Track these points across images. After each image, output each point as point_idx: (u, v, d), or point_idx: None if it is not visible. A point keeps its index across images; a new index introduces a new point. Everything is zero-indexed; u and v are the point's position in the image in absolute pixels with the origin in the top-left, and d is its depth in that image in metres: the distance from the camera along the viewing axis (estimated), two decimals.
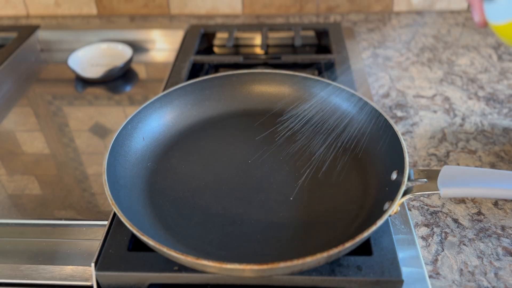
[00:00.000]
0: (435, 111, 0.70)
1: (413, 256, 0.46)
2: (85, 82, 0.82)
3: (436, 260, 0.47)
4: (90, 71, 0.83)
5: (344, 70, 0.74)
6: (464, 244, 0.49)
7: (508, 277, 0.45)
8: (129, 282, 0.43)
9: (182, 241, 0.46)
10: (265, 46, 0.84)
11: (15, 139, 0.69)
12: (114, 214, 0.49)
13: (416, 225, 0.51)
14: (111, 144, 0.51)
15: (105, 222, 0.50)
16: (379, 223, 0.40)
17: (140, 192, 0.51)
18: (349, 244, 0.39)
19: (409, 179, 0.46)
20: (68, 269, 0.48)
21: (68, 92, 0.80)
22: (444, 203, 0.54)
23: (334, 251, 0.38)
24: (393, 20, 1.01)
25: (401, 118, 0.69)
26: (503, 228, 0.51)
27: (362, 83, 0.74)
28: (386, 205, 0.45)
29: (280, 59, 0.80)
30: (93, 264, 0.43)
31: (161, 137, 0.59)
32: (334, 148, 0.57)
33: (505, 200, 0.54)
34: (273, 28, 0.90)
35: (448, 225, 0.51)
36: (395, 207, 0.43)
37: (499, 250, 0.48)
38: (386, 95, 0.75)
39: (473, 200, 0.54)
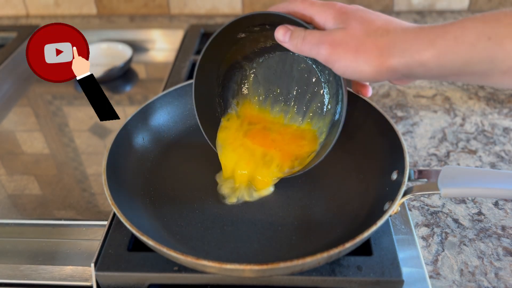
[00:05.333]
0: (435, 111, 0.70)
1: (413, 256, 0.46)
2: None
3: (437, 260, 0.47)
4: (90, 71, 0.83)
5: None
6: (465, 244, 0.49)
7: (508, 277, 0.45)
8: (129, 282, 0.43)
9: (182, 241, 0.46)
10: None
11: (15, 139, 0.69)
12: (114, 214, 0.49)
13: (417, 225, 0.51)
14: (111, 144, 0.51)
15: (105, 222, 0.50)
16: (380, 223, 0.40)
17: (140, 192, 0.51)
18: (349, 244, 0.39)
19: (409, 179, 0.45)
20: (68, 269, 0.48)
21: (68, 92, 0.80)
22: (444, 203, 0.54)
23: (334, 251, 0.38)
24: None
25: (401, 118, 0.69)
26: (503, 228, 0.50)
27: None
28: (387, 205, 0.45)
29: None
30: (92, 264, 0.43)
31: (161, 137, 0.58)
32: (334, 148, 0.57)
33: (505, 200, 0.54)
34: None
35: (448, 225, 0.51)
36: (395, 207, 0.43)
37: (500, 250, 0.48)
38: (386, 95, 0.75)
39: (474, 200, 0.54)
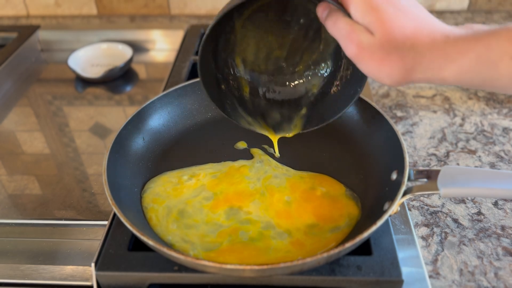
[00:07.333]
0: (435, 111, 0.70)
1: (413, 256, 0.46)
2: (85, 82, 0.82)
3: (436, 260, 0.47)
4: (90, 71, 0.83)
5: None
6: (464, 244, 0.49)
7: (508, 277, 0.45)
8: (129, 282, 0.43)
9: None
10: None
11: (15, 139, 0.69)
12: (114, 214, 0.49)
13: (416, 225, 0.52)
14: (111, 144, 0.51)
15: (105, 222, 0.50)
16: (379, 223, 0.40)
17: (140, 192, 0.51)
18: (349, 244, 0.39)
19: (409, 179, 0.46)
20: (68, 269, 0.48)
21: (68, 92, 0.80)
22: (444, 203, 0.54)
23: (334, 251, 0.38)
24: None
25: (401, 118, 0.69)
26: (503, 228, 0.51)
27: None
28: (386, 205, 0.45)
29: None
30: (93, 264, 0.43)
31: (161, 137, 0.59)
32: (334, 148, 0.57)
33: (505, 200, 0.54)
34: None
35: (448, 225, 0.51)
36: (395, 207, 0.43)
37: (499, 250, 0.48)
38: (386, 95, 0.75)
39: (473, 200, 0.54)
